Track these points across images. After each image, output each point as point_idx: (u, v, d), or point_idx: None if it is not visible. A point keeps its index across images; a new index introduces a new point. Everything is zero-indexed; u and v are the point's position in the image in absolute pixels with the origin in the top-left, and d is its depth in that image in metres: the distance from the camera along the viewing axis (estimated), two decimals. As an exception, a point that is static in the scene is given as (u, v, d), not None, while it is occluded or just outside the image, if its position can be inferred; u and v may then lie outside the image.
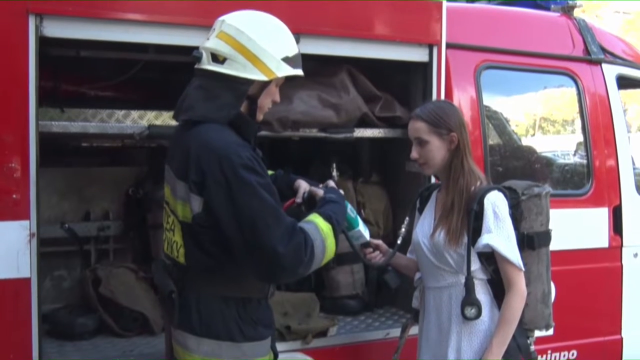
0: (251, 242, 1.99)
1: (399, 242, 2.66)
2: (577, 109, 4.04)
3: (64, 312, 3.26)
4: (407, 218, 2.70)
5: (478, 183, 2.47)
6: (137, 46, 2.95)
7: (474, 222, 2.39)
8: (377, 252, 2.65)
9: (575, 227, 3.83)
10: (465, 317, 2.40)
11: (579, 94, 3.97)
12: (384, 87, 3.53)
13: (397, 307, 3.65)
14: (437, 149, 2.47)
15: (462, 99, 3.57)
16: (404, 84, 3.56)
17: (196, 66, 2.18)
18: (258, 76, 2.12)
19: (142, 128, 2.96)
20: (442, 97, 3.39)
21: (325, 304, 3.56)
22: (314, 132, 3.33)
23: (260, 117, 2.25)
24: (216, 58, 2.12)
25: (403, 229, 2.68)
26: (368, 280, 3.65)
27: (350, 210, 2.44)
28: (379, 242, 2.68)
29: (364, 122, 3.46)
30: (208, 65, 2.14)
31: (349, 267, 3.59)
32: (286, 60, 2.16)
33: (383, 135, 3.48)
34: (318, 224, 2.13)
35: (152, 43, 2.91)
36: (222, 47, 2.11)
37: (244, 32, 2.11)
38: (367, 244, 2.59)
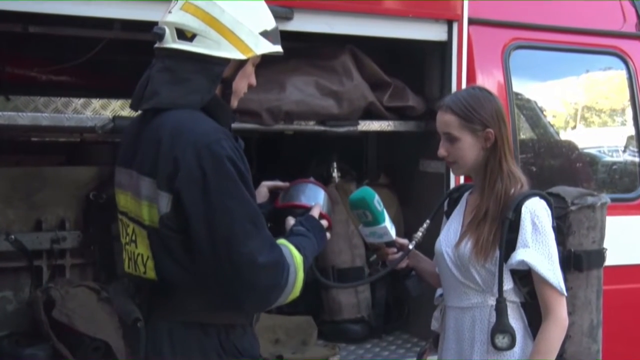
0: (221, 249, 1.97)
1: (411, 247, 2.64)
2: (627, 96, 4.09)
3: (9, 341, 3.28)
4: (427, 221, 2.67)
5: (519, 186, 2.48)
6: (99, 21, 2.97)
7: (509, 234, 2.39)
8: (402, 253, 2.64)
9: (624, 238, 3.88)
10: (496, 347, 2.40)
11: (630, 78, 4.02)
12: (393, 71, 3.58)
13: (409, 334, 3.69)
14: (469, 147, 2.48)
15: (488, 85, 3.58)
16: (418, 68, 3.61)
17: (157, 45, 2.17)
18: (234, 54, 2.11)
19: (106, 120, 3.00)
20: (464, 82, 3.43)
21: (325, 329, 3.61)
22: (310, 125, 3.37)
23: (235, 103, 2.24)
24: (183, 34, 2.10)
25: (420, 233, 2.64)
26: (375, 301, 3.70)
27: (377, 202, 2.51)
28: (405, 241, 2.67)
29: (370, 113, 3.51)
30: (173, 43, 2.11)
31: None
32: (264, 34, 2.16)
33: (393, 129, 3.53)
34: (291, 251, 2.11)
35: (117, 18, 2.95)
36: (190, 22, 2.10)
37: (215, 3, 2.10)
38: (391, 244, 2.62)
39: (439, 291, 2.71)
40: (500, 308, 2.41)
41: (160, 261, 2.09)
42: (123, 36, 3.30)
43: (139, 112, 2.24)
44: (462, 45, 3.40)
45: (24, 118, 2.88)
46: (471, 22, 3.45)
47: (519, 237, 2.40)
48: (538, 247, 2.39)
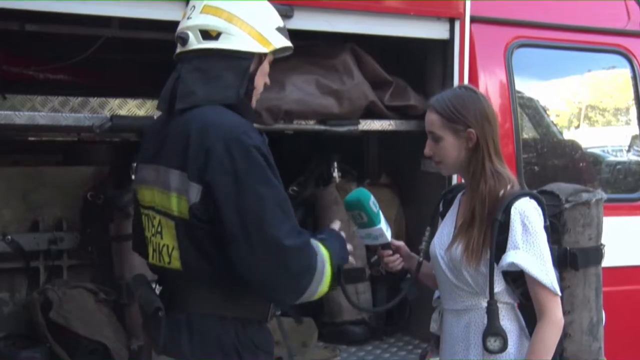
0: (253, 233, 2.06)
1: (419, 259, 2.66)
2: (631, 94, 4.09)
3: (6, 343, 3.29)
4: (428, 229, 2.70)
5: (508, 187, 2.47)
6: (97, 19, 2.98)
7: (499, 236, 2.39)
8: (397, 256, 2.66)
9: (628, 239, 3.88)
10: (487, 350, 2.40)
11: (634, 76, 4.02)
12: (395, 70, 3.58)
13: (410, 335, 3.70)
14: (451, 147, 2.50)
15: (490, 84, 3.62)
16: (420, 67, 3.61)
17: (180, 49, 2.26)
18: (258, 48, 2.24)
19: (103, 119, 3.00)
20: (466, 81, 3.43)
21: (325, 331, 3.61)
22: (311, 125, 3.38)
23: (254, 101, 2.36)
24: (208, 34, 2.22)
25: (424, 244, 2.67)
26: (376, 303, 3.70)
27: (373, 203, 2.51)
28: (401, 243, 2.70)
29: (371, 113, 3.51)
30: (198, 44, 2.23)
31: (353, 286, 3.64)
32: (279, 30, 2.31)
33: (394, 128, 3.53)
34: (318, 243, 2.21)
35: (115, 16, 2.95)
36: (212, 22, 2.22)
37: (233, 2, 2.23)
38: (387, 245, 2.62)
39: (437, 293, 2.71)
40: (492, 310, 2.41)
41: (186, 251, 2.17)
42: (121, 34, 3.30)
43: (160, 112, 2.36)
44: (464, 43, 3.41)
45: (21, 117, 2.88)
46: (473, 20, 3.45)
47: (509, 239, 2.39)
48: (528, 248, 2.39)
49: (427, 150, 2.56)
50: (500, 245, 2.40)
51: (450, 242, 2.52)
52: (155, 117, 3.11)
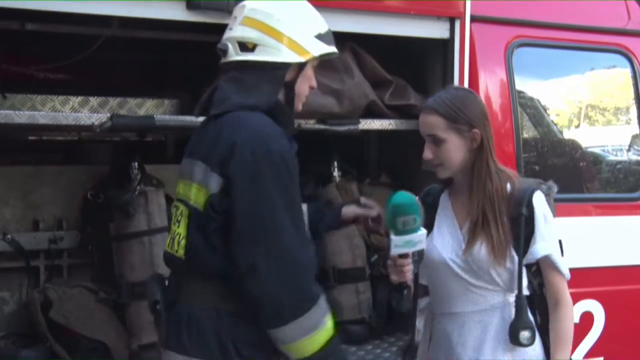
0: (260, 237, 2.11)
1: (414, 270, 2.49)
2: (632, 94, 4.09)
3: (6, 342, 3.29)
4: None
5: (515, 181, 2.51)
6: (97, 19, 2.98)
7: (525, 229, 2.45)
8: (410, 261, 2.50)
9: (628, 239, 3.89)
10: (520, 344, 2.43)
11: (634, 76, 4.02)
12: (395, 69, 3.59)
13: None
14: (456, 149, 2.48)
15: (490, 84, 3.62)
16: (420, 66, 3.62)
17: (222, 60, 2.35)
18: (294, 58, 2.31)
19: (104, 118, 2.99)
20: (466, 80, 3.44)
21: (325, 332, 3.60)
22: (310, 124, 3.38)
23: (299, 105, 2.45)
24: (245, 47, 2.30)
25: (416, 254, 2.49)
26: (376, 302, 3.71)
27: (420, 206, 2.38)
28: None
29: (371, 112, 3.52)
30: (237, 55, 2.31)
31: (353, 285, 3.65)
32: (319, 37, 2.36)
33: (394, 128, 3.53)
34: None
35: (115, 15, 2.95)
36: (249, 34, 2.30)
37: (272, 14, 2.30)
38: (421, 252, 2.39)
39: (423, 301, 2.68)
40: (521, 304, 2.45)
41: (192, 241, 2.24)
42: (121, 34, 3.31)
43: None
44: (464, 42, 3.41)
45: (21, 116, 2.88)
46: (473, 19, 3.45)
47: (536, 231, 2.46)
48: (551, 238, 2.48)
49: (427, 154, 2.51)
50: (525, 238, 2.45)
51: (467, 245, 2.49)
52: (155, 117, 3.13)
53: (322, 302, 2.22)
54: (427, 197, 2.66)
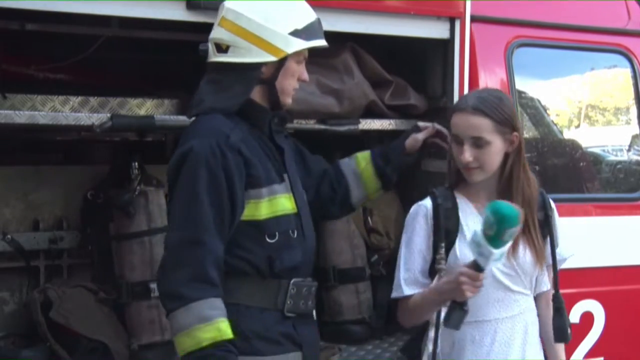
0: (169, 228, 2.35)
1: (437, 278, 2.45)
2: (632, 94, 4.09)
3: (6, 342, 3.29)
4: (442, 245, 2.44)
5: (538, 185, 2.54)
6: (97, 19, 2.98)
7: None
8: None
9: (628, 239, 3.88)
10: (567, 340, 2.51)
11: (634, 76, 4.01)
12: (395, 70, 3.59)
13: (411, 335, 3.69)
14: (497, 152, 2.40)
15: (490, 84, 3.62)
16: (420, 66, 3.61)
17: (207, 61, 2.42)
18: (265, 58, 2.34)
19: (104, 118, 3.00)
20: (466, 80, 3.44)
21: (325, 330, 3.60)
22: (311, 124, 3.39)
23: (287, 100, 2.47)
24: (220, 48, 2.36)
25: (443, 263, 2.42)
26: (376, 302, 3.71)
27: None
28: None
29: (371, 112, 3.52)
30: (214, 57, 2.38)
31: (353, 285, 3.66)
32: (295, 33, 2.36)
33: (394, 128, 3.53)
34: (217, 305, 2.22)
35: (115, 15, 2.95)
36: (223, 35, 2.36)
37: (242, 14, 2.33)
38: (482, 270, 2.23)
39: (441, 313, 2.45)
40: (562, 302, 2.52)
41: None
42: (121, 34, 3.31)
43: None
44: (464, 43, 3.41)
45: (21, 116, 2.89)
46: (474, 19, 3.45)
47: (558, 232, 2.55)
48: (565, 239, 2.59)
49: (467, 157, 2.39)
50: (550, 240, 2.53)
51: (512, 250, 2.40)
52: (155, 117, 3.14)
53: (197, 309, 2.16)
54: (446, 201, 2.51)
